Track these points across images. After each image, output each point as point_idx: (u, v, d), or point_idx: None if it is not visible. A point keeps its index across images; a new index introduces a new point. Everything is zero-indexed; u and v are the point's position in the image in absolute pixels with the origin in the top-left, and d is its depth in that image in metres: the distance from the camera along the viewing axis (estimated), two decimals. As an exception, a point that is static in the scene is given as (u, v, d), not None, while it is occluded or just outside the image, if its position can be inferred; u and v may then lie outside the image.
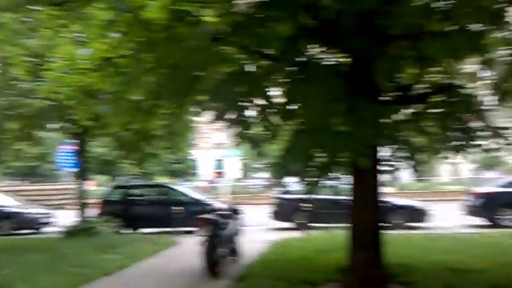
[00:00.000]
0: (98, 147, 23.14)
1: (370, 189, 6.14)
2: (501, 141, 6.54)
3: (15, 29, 9.34)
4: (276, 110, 5.56)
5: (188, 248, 9.70)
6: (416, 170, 6.21)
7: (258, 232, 12.88)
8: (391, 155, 6.38)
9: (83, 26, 7.80)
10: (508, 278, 6.32)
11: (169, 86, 6.09)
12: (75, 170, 13.17)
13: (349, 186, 6.29)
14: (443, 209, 15.53)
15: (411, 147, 6.30)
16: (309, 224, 12.65)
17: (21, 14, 8.93)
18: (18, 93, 10.66)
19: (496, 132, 6.43)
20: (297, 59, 5.23)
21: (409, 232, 11.52)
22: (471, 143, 6.51)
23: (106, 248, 9.42)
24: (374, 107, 5.16)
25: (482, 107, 6.75)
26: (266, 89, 5.69)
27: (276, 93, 6.00)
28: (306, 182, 5.97)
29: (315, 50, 5.95)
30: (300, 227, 12.75)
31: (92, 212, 13.16)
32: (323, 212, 12.96)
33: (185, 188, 16.80)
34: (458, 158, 7.02)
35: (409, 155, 6.20)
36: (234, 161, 36.32)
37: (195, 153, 34.17)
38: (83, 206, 12.42)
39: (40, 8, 7.52)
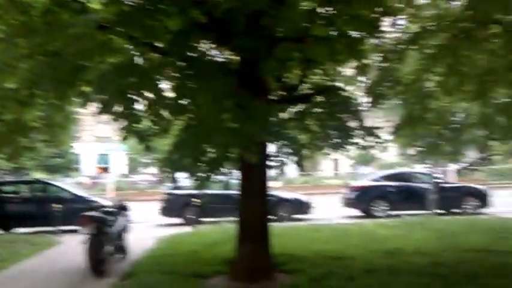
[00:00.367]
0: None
1: (258, 183, 6.42)
2: (374, 139, 7.28)
3: None
4: (166, 104, 5.50)
5: (71, 247, 9.23)
6: (300, 165, 6.61)
7: (147, 229, 12.69)
8: (278, 151, 6.73)
9: None
10: (377, 263, 7.05)
11: (48, 74, 5.69)
12: None
13: (238, 180, 6.51)
14: (325, 201, 16.74)
15: (296, 143, 6.70)
16: (199, 219, 12.74)
17: None
18: None
19: (370, 132, 7.13)
20: (188, 54, 5.24)
21: (294, 224, 12.22)
22: (348, 140, 7.14)
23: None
24: (262, 105, 5.38)
25: (359, 108, 7.44)
26: (156, 83, 5.60)
27: (166, 87, 5.95)
28: (196, 178, 6.02)
29: (206, 46, 6.02)
30: (190, 222, 12.79)
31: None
32: (213, 207, 13.15)
33: (66, 184, 15.81)
34: (339, 154, 7.65)
35: (294, 151, 6.59)
36: (120, 156, 34.97)
37: (77, 147, 32.19)
38: None
39: None
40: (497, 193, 16.08)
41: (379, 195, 14.52)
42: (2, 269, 7.60)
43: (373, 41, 7.46)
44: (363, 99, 8.46)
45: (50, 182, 14.72)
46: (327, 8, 5.67)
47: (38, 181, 14.80)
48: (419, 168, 18.44)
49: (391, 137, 11.22)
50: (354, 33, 6.17)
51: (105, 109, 5.45)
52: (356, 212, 14.90)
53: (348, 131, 6.88)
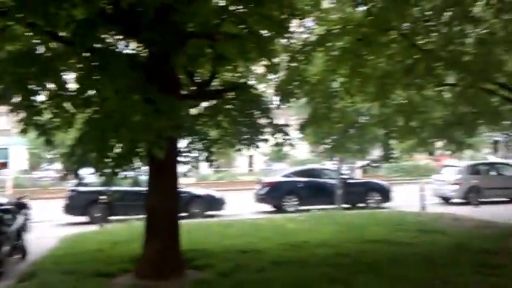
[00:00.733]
0: None
1: (168, 179, 6.42)
2: (283, 136, 7.61)
3: None
4: (69, 96, 5.31)
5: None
6: (210, 161, 6.73)
7: (50, 228, 12.08)
8: (189, 147, 6.80)
9: None
10: (286, 256, 7.39)
11: None
12: None
13: (147, 176, 6.46)
14: (239, 197, 17.07)
15: (207, 139, 6.82)
16: (107, 217, 12.35)
17: None
18: None
19: (279, 129, 7.45)
20: (93, 45, 5.11)
21: (207, 220, 12.34)
22: (259, 137, 7.40)
23: None
24: (171, 100, 5.40)
25: (269, 106, 7.73)
26: (59, 73, 5.38)
27: (70, 78, 5.75)
28: (102, 174, 5.88)
29: (114, 38, 5.91)
30: (96, 221, 12.31)
31: None
32: (123, 204, 12.80)
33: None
34: (253, 151, 7.94)
35: (205, 147, 6.70)
36: (20, 151, 32.61)
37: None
38: None
39: None
40: (398, 188, 17.47)
41: (289, 190, 15.08)
42: None
43: (282, 41, 7.79)
44: (273, 97, 8.80)
45: None
46: (239, 6, 5.84)
47: None
48: (328, 164, 19.40)
49: (301, 135, 11.77)
50: (265, 33, 6.42)
51: (2, 100, 5.17)
52: (268, 208, 15.36)
53: (258, 128, 7.13)
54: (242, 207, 15.48)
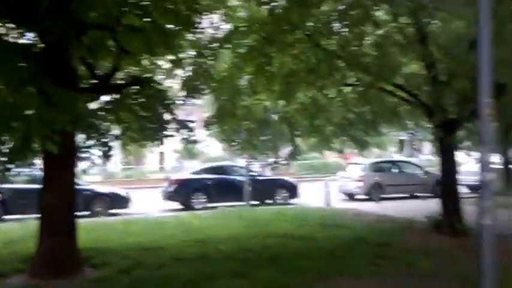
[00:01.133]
0: None
1: (65, 175, 6.32)
2: (188, 132, 7.79)
3: None
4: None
5: None
6: (107, 157, 6.71)
7: None
8: (88, 142, 6.72)
9: None
10: (188, 252, 7.61)
11: None
12: None
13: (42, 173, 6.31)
14: (148, 195, 16.94)
15: (108, 135, 6.78)
16: (0, 216, 11.76)
17: None
18: None
19: (183, 125, 7.61)
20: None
21: (111, 218, 12.16)
22: (163, 133, 7.49)
23: None
24: (68, 93, 5.33)
25: (174, 101, 7.86)
26: None
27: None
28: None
29: (6, 27, 5.69)
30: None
31: None
32: (18, 202, 12.18)
33: None
34: (162, 147, 7.99)
35: (104, 142, 6.66)
36: None
37: None
38: None
39: None
40: (308, 185, 18.37)
41: (197, 188, 15.29)
42: None
43: (189, 36, 7.93)
44: (179, 93, 8.93)
45: None
46: (142, -1, 5.87)
47: None
48: (239, 161, 19.82)
49: (210, 131, 12.00)
50: (171, 27, 6.52)
51: None
52: (176, 205, 15.42)
53: (162, 124, 7.23)
54: (149, 205, 15.42)
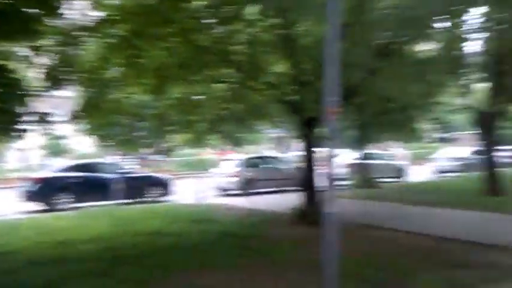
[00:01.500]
0: None
1: None
2: (48, 127, 7.30)
3: None
4: None
5: None
6: None
7: None
8: None
9: None
10: (45, 254, 7.17)
11: None
12: None
13: None
14: (6, 195, 15.51)
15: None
16: None
17: None
18: None
19: (42, 118, 7.12)
20: None
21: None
22: (18, 127, 6.93)
23: None
24: None
25: (31, 92, 7.32)
26: None
27: None
28: None
29: None
30: None
31: None
32: None
33: None
34: (27, 144, 7.34)
35: None
36: None
37: None
38: None
39: None
40: (183, 182, 18.29)
41: (62, 187, 14.35)
42: None
43: (52, 22, 7.43)
44: (40, 83, 8.33)
45: None
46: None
47: None
48: (109, 158, 19.05)
49: (79, 126, 11.37)
50: (30, 11, 6.06)
51: None
52: (39, 206, 14.33)
53: (15, 116, 6.69)
54: (7, 206, 14.08)
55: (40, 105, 7.87)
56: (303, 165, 10.44)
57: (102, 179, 14.99)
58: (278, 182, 18.17)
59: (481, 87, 15.38)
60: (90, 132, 11.73)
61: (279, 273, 6.14)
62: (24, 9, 5.89)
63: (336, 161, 15.37)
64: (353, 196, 15.29)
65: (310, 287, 4.92)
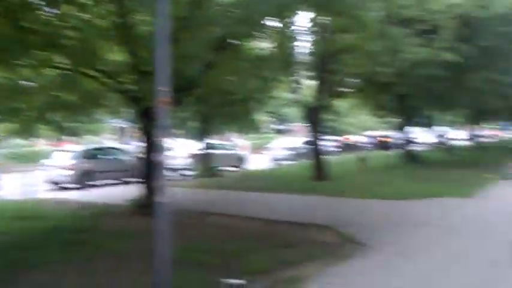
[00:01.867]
0: None
1: None
2: None
3: None
4: None
5: None
6: None
7: None
8: None
9: None
10: None
11: None
12: None
13: None
14: None
15: None
16: None
17: None
18: None
19: None
20: None
21: None
22: None
23: None
24: None
25: None
26: None
27: None
28: None
29: None
30: None
31: None
32: None
33: None
34: None
35: None
36: None
37: None
38: None
39: None
40: (10, 176, 16.49)
41: None
42: None
43: None
44: None
45: None
46: None
47: None
48: None
49: None
50: None
51: None
52: None
53: None
54: None
55: None
56: (143, 156, 10.29)
57: None
58: (118, 173, 17.61)
59: (309, 84, 16.95)
60: None
61: (114, 264, 6.03)
62: None
63: (180, 151, 15.62)
64: (195, 185, 15.62)
65: (145, 276, 4.92)
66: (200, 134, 19.15)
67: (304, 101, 15.89)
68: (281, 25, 10.35)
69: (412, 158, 22.53)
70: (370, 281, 5.15)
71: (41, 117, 10.88)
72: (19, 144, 26.84)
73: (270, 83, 14.61)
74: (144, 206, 9.15)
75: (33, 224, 8.90)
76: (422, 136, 37.74)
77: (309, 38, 13.83)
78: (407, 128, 23.94)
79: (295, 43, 13.21)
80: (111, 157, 18.37)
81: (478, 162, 21.03)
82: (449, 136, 38.37)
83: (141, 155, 10.61)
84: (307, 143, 20.70)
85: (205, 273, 5.50)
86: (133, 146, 20.74)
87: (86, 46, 8.66)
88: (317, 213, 9.72)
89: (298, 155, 26.47)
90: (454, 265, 5.76)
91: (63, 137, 21.21)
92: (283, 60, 12.90)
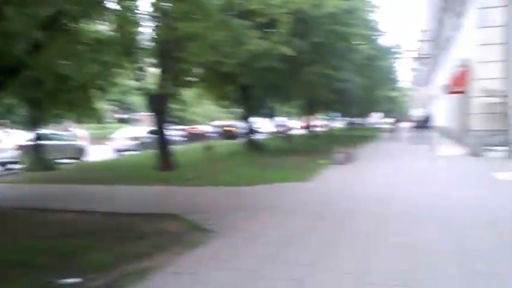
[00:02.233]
0: None
1: None
2: None
3: None
4: None
5: None
6: None
7: None
8: None
9: None
10: None
11: None
12: None
13: None
14: None
15: None
16: None
17: None
18: None
19: None
20: None
21: None
22: None
23: None
24: None
25: None
26: None
27: None
28: None
29: None
30: None
31: None
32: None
33: None
34: None
35: None
36: None
37: None
38: None
39: None
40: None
41: None
42: None
43: None
44: None
45: None
46: None
47: None
48: None
49: None
50: None
51: None
52: None
53: None
54: None
55: None
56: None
57: None
58: None
59: (154, 72, 16.49)
60: None
61: None
62: None
63: (6, 143, 14.12)
64: (24, 180, 14.17)
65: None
66: (31, 124, 17.33)
67: (148, 89, 15.39)
68: (121, 8, 9.77)
69: (255, 146, 23.57)
70: (216, 267, 5.17)
71: None
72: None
73: (111, 69, 13.80)
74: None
75: None
76: (264, 126, 39.86)
77: (152, 23, 13.37)
78: (251, 118, 24.94)
79: (139, 28, 12.66)
80: None
81: (312, 149, 22.93)
82: (288, 125, 41.23)
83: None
84: (151, 132, 20.20)
85: (37, 275, 4.94)
86: None
87: None
88: (164, 203, 9.52)
89: (142, 145, 25.82)
90: (291, 247, 6.09)
91: None
92: (125, 45, 12.28)
